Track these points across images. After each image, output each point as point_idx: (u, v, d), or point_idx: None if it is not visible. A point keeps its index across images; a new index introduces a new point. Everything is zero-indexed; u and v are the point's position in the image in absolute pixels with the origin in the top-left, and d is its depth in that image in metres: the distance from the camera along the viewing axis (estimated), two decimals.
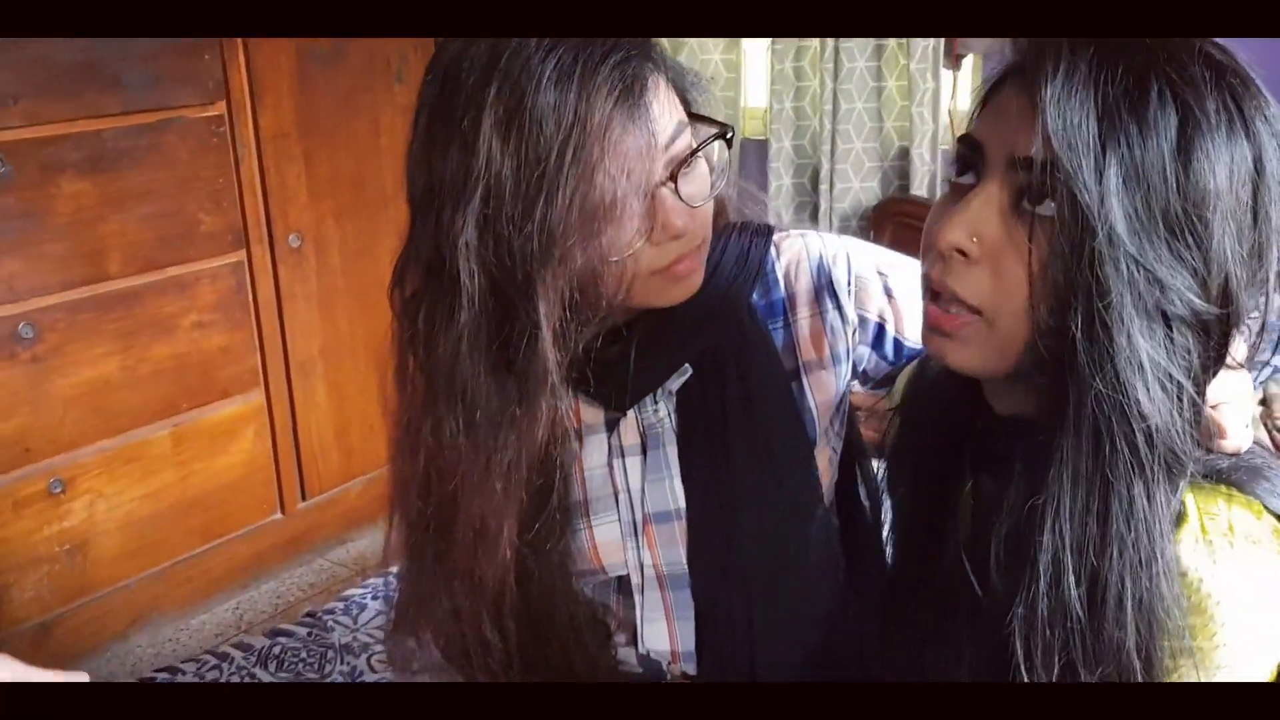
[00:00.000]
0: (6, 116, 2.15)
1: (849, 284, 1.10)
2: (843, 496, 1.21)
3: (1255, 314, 0.83)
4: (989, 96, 0.84)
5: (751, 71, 3.45)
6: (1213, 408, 0.85)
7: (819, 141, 3.19)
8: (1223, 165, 0.74)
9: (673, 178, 0.93)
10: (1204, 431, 0.85)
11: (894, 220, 3.10)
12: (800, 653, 1.11)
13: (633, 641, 1.14)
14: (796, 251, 1.12)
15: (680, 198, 0.93)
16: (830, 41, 3.07)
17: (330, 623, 1.74)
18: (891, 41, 3.03)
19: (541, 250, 0.87)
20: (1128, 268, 0.73)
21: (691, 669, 1.12)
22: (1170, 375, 0.75)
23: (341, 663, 1.62)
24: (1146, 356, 0.74)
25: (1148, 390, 0.74)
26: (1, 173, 2.15)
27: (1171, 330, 0.75)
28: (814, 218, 3.26)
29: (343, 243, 2.75)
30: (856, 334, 1.11)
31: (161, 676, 1.61)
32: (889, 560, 1.17)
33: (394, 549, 1.13)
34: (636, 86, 0.89)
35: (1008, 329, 0.79)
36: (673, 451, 1.09)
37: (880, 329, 1.11)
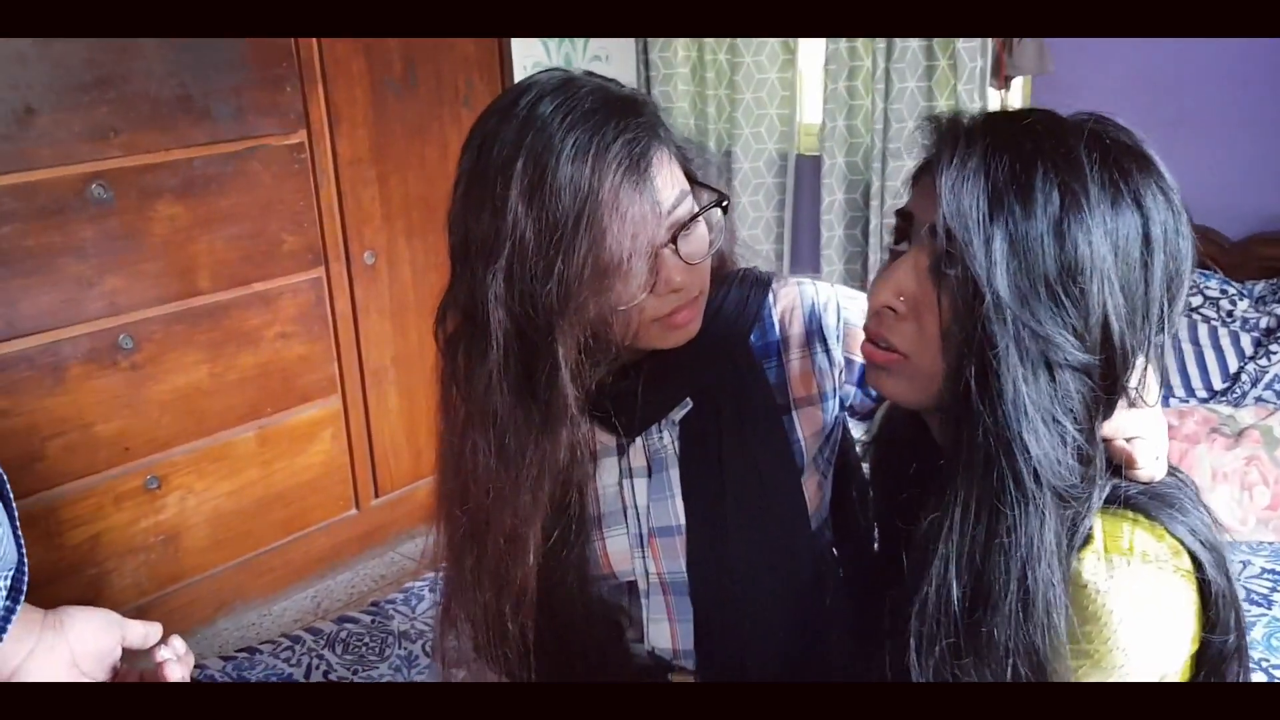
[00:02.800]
0: (108, 148, 2.36)
1: (838, 329, 1.23)
2: (838, 513, 1.34)
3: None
4: (917, 177, 0.97)
5: (807, 89, 3.56)
6: (1127, 440, 0.98)
7: (870, 158, 3.29)
8: (1101, 236, 0.85)
9: (673, 239, 1.07)
10: (1121, 460, 0.97)
11: None
12: (786, 653, 1.24)
13: (641, 638, 1.28)
14: (792, 299, 1.26)
15: (680, 257, 1.08)
16: (881, 62, 3.17)
17: (391, 611, 1.92)
18: (942, 62, 3.12)
19: (560, 301, 1.03)
20: (1012, 324, 0.85)
21: (690, 665, 1.26)
22: (1054, 416, 0.88)
23: (399, 647, 1.79)
24: (1029, 400, 0.87)
25: (1031, 428, 0.87)
26: (104, 199, 2.37)
27: (1054, 377, 0.88)
28: (864, 233, 3.36)
29: (413, 259, 2.93)
30: (843, 374, 1.24)
31: (241, 655, 1.80)
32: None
33: (438, 553, 1.29)
34: (642, 163, 1.04)
35: (927, 369, 0.94)
36: (675, 474, 1.23)
37: (864, 370, 1.24)
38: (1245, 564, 2.00)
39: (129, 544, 2.54)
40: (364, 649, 1.83)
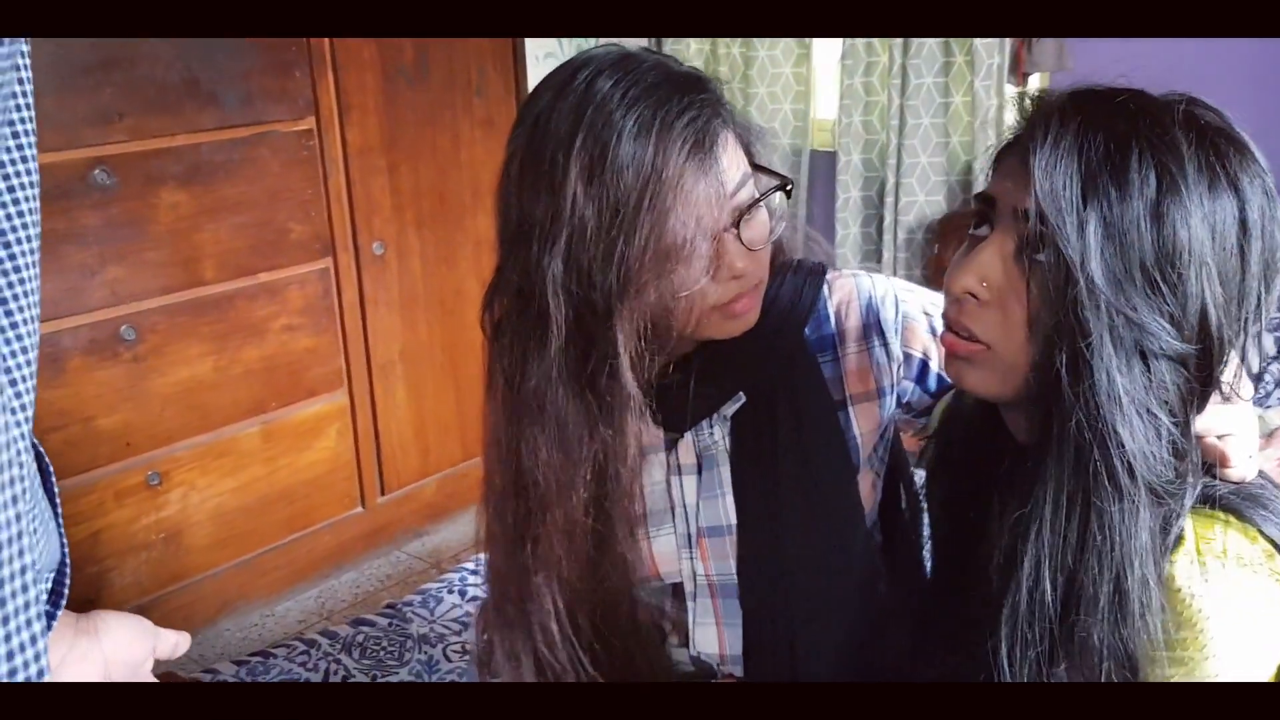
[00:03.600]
0: (113, 132, 2.29)
1: (896, 323, 1.18)
2: (886, 514, 1.29)
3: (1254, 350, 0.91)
4: (1000, 158, 0.93)
5: (822, 85, 3.51)
6: (1219, 438, 0.93)
7: (886, 155, 3.24)
8: (1200, 221, 0.82)
9: (736, 224, 1.02)
10: (1213, 459, 0.93)
11: (958, 233, 3.13)
12: (838, 660, 1.19)
13: (685, 643, 1.22)
14: (848, 291, 1.20)
15: (742, 242, 1.02)
16: (898, 58, 3.12)
17: (409, 614, 1.86)
18: (959, 58, 3.07)
19: (620, 285, 0.97)
20: (1106, 311, 0.82)
21: (739, 671, 1.20)
22: (1148, 408, 0.84)
23: (419, 652, 1.73)
24: (1123, 390, 0.83)
25: (1126, 420, 0.83)
26: (108, 185, 2.30)
27: (1149, 367, 0.83)
28: (879, 230, 3.31)
29: (423, 251, 2.86)
30: (901, 369, 1.18)
31: (255, 660, 1.73)
32: (926, 571, 1.25)
33: (485, 539, 1.21)
34: (707, 141, 0.98)
35: (1011, 359, 0.89)
36: (726, 471, 1.17)
37: (924, 365, 1.18)
38: None
39: (130, 541, 2.46)
40: (382, 653, 1.77)
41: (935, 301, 1.21)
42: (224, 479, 2.61)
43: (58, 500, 0.72)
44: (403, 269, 2.83)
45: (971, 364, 0.93)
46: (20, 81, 0.63)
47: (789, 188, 1.08)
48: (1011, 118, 0.94)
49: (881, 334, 1.18)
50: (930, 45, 3.08)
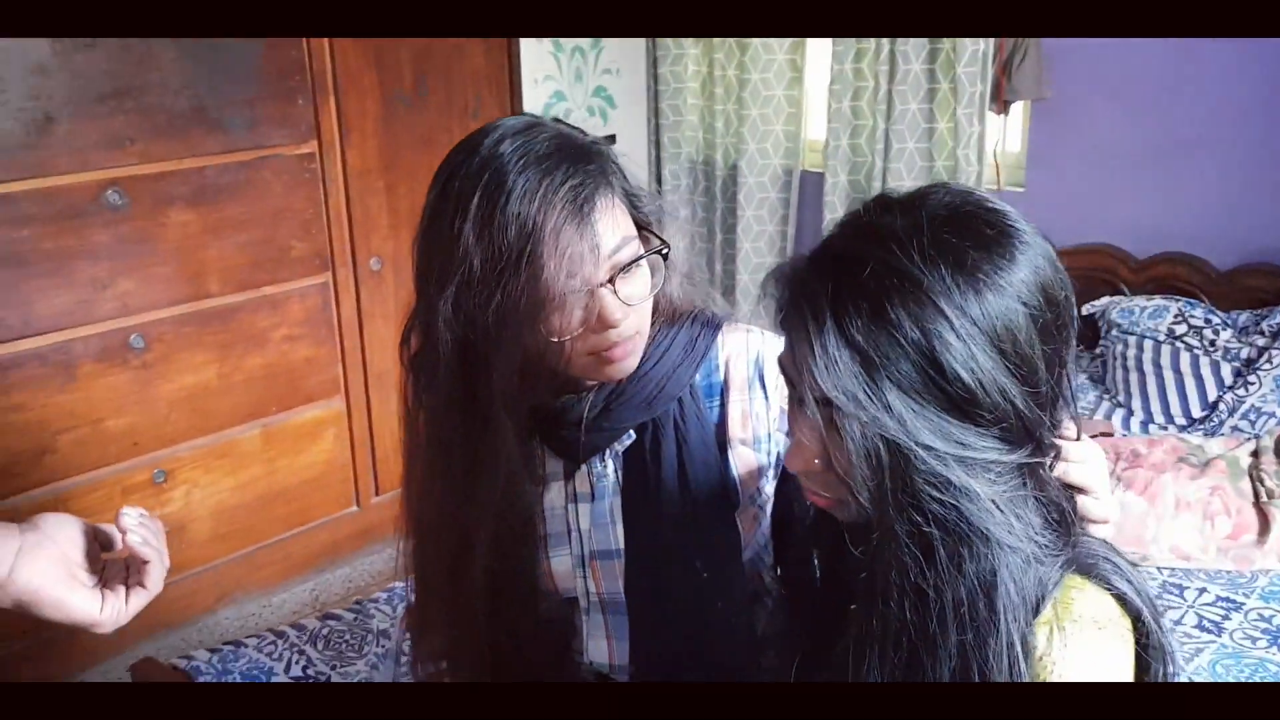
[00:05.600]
0: (124, 156, 2.47)
1: (777, 380, 1.30)
2: (780, 536, 1.42)
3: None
4: (782, 324, 0.95)
5: (814, 107, 3.63)
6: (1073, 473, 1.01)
7: (872, 176, 3.35)
8: (977, 337, 0.85)
9: (611, 279, 1.15)
10: (1081, 487, 1.01)
11: None
12: (718, 671, 1.32)
13: (582, 651, 1.37)
14: (739, 344, 1.33)
15: (618, 296, 1.15)
16: (885, 84, 3.23)
17: (373, 610, 2.01)
18: (943, 85, 3.17)
19: (496, 328, 1.11)
20: (932, 458, 0.86)
21: (625, 679, 1.34)
22: (1014, 512, 0.89)
23: (378, 645, 1.89)
24: (984, 511, 0.87)
25: (1004, 524, 0.88)
26: (119, 205, 2.47)
27: (994, 477, 0.88)
28: None
29: None
30: (777, 421, 1.31)
31: (226, 648, 1.89)
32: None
33: (403, 562, 1.37)
34: (586, 207, 1.11)
35: (855, 499, 0.91)
36: (616, 502, 1.31)
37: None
38: (1202, 590, 2.05)
39: None
40: (344, 645, 1.92)
41: None
42: (225, 478, 2.79)
43: None
44: (399, 283, 2.99)
45: (836, 508, 0.98)
46: None
47: (665, 252, 1.20)
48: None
49: (763, 387, 1.31)
50: (916, 72, 3.19)
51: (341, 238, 2.87)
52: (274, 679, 1.82)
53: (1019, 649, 0.88)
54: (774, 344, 1.32)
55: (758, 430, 1.31)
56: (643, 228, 1.21)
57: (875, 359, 0.85)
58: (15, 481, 2.44)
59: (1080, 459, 1.03)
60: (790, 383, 0.96)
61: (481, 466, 1.20)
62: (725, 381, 1.32)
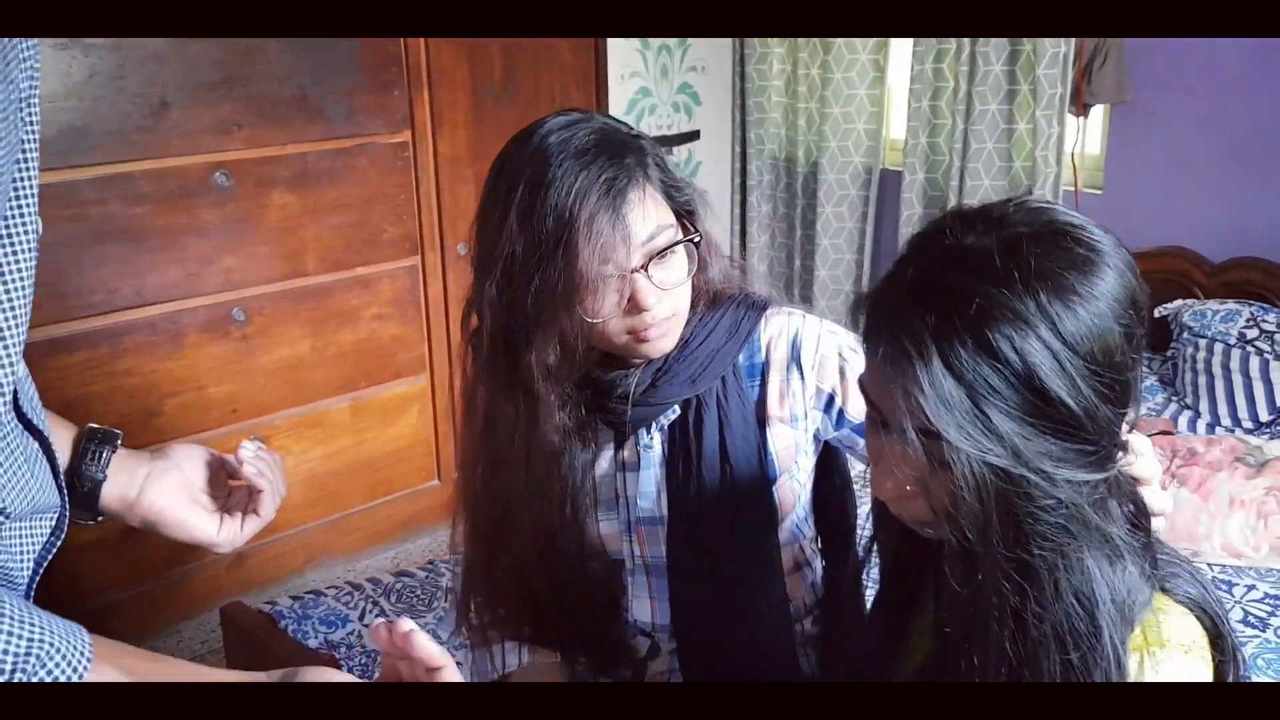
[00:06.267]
0: (231, 141, 2.64)
1: (814, 360, 1.39)
2: (822, 513, 1.51)
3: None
4: (867, 344, 0.95)
5: (896, 106, 3.68)
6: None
7: (949, 176, 3.40)
8: (1069, 358, 0.86)
9: (645, 265, 1.24)
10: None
11: None
12: (755, 631, 1.41)
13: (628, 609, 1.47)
14: (780, 327, 1.40)
15: (651, 281, 1.25)
16: (964, 84, 3.27)
17: (444, 569, 2.14)
18: (1023, 87, 3.20)
19: (535, 310, 1.22)
20: (1038, 488, 0.86)
21: (666, 638, 1.45)
22: (1105, 536, 0.90)
23: (445, 600, 2.02)
24: (1073, 546, 0.89)
25: (1095, 560, 0.90)
26: (226, 186, 2.65)
27: (1082, 489, 0.89)
28: None
29: None
30: (813, 400, 1.40)
31: (308, 596, 2.05)
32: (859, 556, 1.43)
33: (456, 533, 1.49)
34: (619, 199, 1.20)
35: (955, 528, 0.92)
36: (661, 471, 1.40)
37: (831, 399, 1.39)
38: (1251, 587, 2.09)
39: None
40: (414, 599, 2.06)
41: (854, 347, 1.39)
42: (316, 446, 2.96)
43: (56, 459, 0.98)
44: None
45: (923, 527, 0.99)
46: (22, 162, 0.81)
47: (697, 240, 1.30)
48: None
49: (800, 368, 1.39)
50: (996, 73, 3.22)
51: (431, 223, 3.01)
52: (347, 626, 1.96)
53: (1122, 659, 0.89)
54: (813, 327, 1.40)
55: (794, 408, 1.39)
56: (681, 216, 1.29)
57: (982, 390, 0.85)
58: (125, 440, 2.60)
59: (1140, 451, 1.07)
60: (875, 408, 0.96)
61: (528, 436, 1.30)
62: (766, 362, 1.40)
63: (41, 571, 1.01)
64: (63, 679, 0.78)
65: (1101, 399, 0.87)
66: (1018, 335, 0.85)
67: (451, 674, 0.88)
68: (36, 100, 0.81)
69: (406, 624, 0.87)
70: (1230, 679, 0.98)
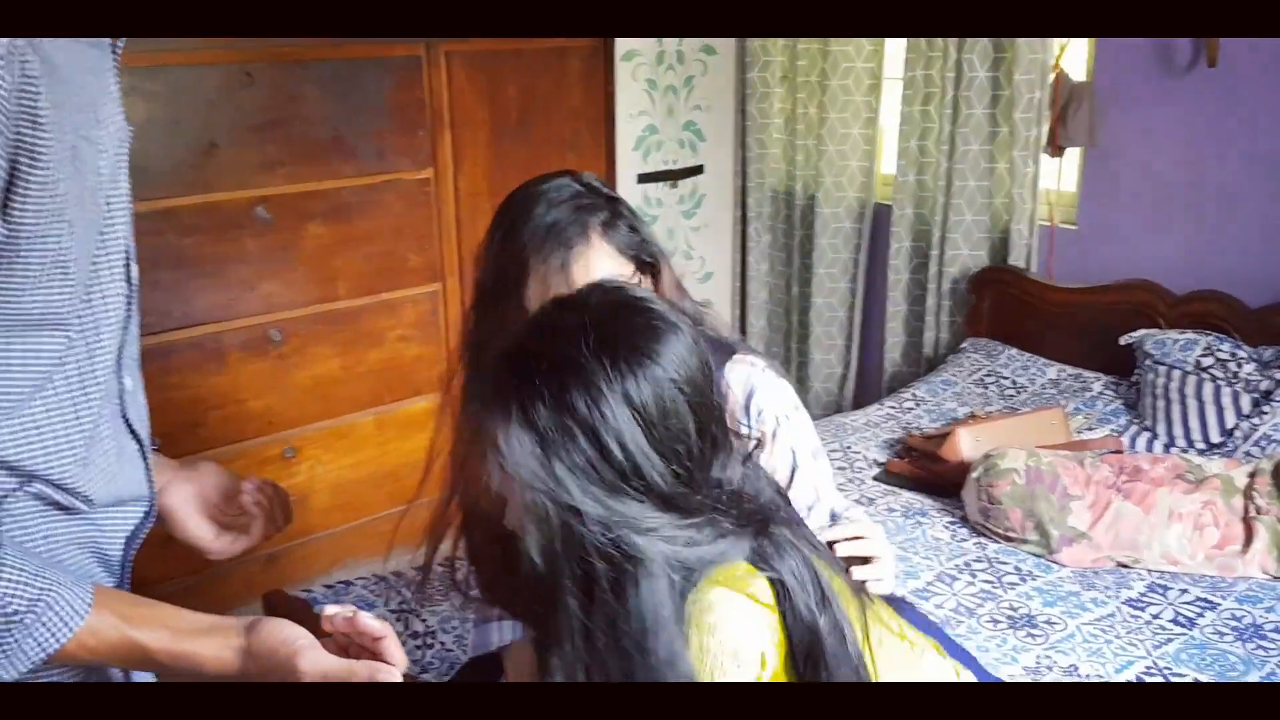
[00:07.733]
0: (272, 178, 2.91)
1: (754, 409, 1.58)
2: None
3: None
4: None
5: (887, 145, 3.92)
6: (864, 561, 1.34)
7: (934, 210, 3.63)
8: (629, 416, 1.02)
9: None
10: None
11: (992, 286, 3.50)
12: None
13: None
14: (744, 376, 1.58)
15: None
16: (948, 126, 3.51)
17: (459, 565, 2.40)
18: (1003, 129, 3.44)
19: (493, 339, 1.42)
20: (593, 528, 1.01)
21: None
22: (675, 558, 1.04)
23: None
24: (649, 562, 1.02)
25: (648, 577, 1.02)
26: (266, 219, 2.92)
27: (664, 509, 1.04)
28: (925, 277, 3.69)
29: None
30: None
31: (339, 584, 2.32)
32: None
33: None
34: (568, 252, 1.41)
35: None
36: None
37: (758, 444, 1.56)
38: (1184, 590, 2.31)
39: None
40: (433, 589, 2.31)
41: (792, 410, 1.59)
42: (343, 456, 3.21)
43: (149, 458, 1.19)
44: None
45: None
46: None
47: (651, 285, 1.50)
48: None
49: (747, 413, 1.58)
50: (978, 115, 3.46)
51: (451, 253, 3.27)
52: (374, 609, 2.21)
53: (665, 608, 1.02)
54: (767, 382, 1.59)
55: None
56: (642, 269, 1.50)
57: (551, 439, 1.01)
58: (171, 449, 2.83)
59: (866, 534, 1.36)
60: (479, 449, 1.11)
61: None
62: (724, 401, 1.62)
63: (134, 551, 1.22)
64: (69, 618, 0.98)
65: (660, 455, 1.03)
66: (585, 391, 1.01)
67: (393, 643, 1.04)
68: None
69: (349, 609, 1.04)
70: (796, 636, 1.07)
